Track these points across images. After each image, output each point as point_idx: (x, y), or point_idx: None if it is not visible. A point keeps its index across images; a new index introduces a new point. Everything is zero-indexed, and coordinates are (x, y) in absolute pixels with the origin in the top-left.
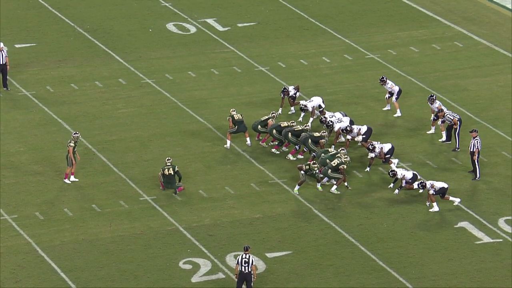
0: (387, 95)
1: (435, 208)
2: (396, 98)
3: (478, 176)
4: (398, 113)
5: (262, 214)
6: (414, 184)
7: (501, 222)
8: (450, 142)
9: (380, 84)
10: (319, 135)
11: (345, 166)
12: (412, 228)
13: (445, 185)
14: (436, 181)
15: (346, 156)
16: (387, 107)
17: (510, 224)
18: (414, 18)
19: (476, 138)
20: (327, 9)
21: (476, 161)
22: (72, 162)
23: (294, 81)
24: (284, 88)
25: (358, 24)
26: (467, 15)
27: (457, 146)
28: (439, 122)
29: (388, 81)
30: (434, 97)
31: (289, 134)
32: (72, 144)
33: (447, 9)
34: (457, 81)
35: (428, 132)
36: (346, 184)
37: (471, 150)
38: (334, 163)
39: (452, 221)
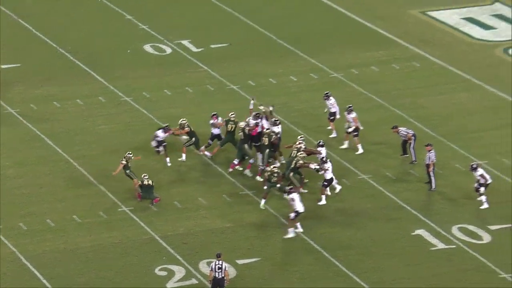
0: (325, 110)
1: (323, 201)
2: (333, 119)
3: (433, 187)
4: (334, 134)
5: (232, 223)
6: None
7: (454, 230)
8: (407, 155)
9: (324, 99)
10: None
11: (300, 161)
12: (372, 236)
13: (331, 176)
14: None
15: (301, 154)
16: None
17: (463, 231)
18: (375, 40)
19: (431, 151)
20: (294, 31)
21: (431, 173)
22: (132, 177)
23: (263, 99)
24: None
25: (322, 45)
26: (424, 37)
27: (414, 159)
28: (348, 130)
29: (331, 98)
30: (351, 107)
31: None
32: (124, 162)
33: (405, 32)
34: (414, 99)
35: (341, 147)
36: (313, 170)
37: (427, 162)
38: (292, 165)
39: (409, 229)
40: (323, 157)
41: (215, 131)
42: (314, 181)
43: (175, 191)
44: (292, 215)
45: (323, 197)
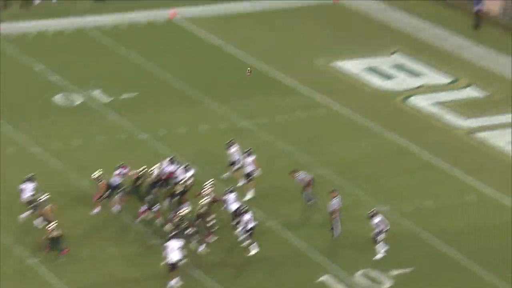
0: (229, 159)
1: (253, 251)
2: (237, 169)
3: (337, 233)
4: (241, 183)
5: (142, 273)
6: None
7: (358, 275)
8: (312, 200)
9: (226, 148)
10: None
11: (201, 210)
12: (278, 282)
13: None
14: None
15: (202, 200)
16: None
17: (365, 276)
18: (282, 89)
19: (336, 197)
20: (203, 80)
21: (336, 218)
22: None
23: (174, 147)
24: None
25: (231, 94)
26: (329, 86)
27: (313, 199)
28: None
29: (233, 146)
30: (250, 150)
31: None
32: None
33: (311, 81)
34: (320, 145)
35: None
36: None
37: (330, 209)
38: (196, 212)
39: (314, 276)
40: (241, 208)
41: (116, 181)
42: (225, 228)
43: (86, 241)
44: (167, 266)
45: (251, 246)
